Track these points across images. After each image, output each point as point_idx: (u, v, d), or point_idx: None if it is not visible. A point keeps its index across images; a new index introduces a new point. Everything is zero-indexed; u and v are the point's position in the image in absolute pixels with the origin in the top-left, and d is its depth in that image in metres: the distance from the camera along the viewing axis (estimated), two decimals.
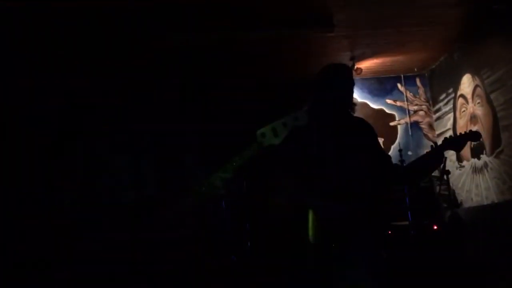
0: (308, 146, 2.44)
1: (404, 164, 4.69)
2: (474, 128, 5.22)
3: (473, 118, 5.26)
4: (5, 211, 3.62)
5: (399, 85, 6.51)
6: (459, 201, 5.56)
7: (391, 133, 6.36)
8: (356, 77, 4.43)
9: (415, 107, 6.49)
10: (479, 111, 5.14)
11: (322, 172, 2.41)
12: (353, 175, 2.41)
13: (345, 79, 2.48)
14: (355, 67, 5.58)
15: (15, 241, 3.78)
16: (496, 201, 4.85)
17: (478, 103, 5.15)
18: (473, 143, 5.18)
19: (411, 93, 6.51)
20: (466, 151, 5.44)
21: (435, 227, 4.66)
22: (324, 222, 2.31)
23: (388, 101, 6.47)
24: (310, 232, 2.32)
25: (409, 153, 6.08)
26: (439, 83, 6.15)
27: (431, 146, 2.52)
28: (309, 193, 2.39)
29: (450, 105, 5.85)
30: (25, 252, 3.78)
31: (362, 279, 2.21)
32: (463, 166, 5.56)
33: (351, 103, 2.52)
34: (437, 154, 2.46)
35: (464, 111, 5.49)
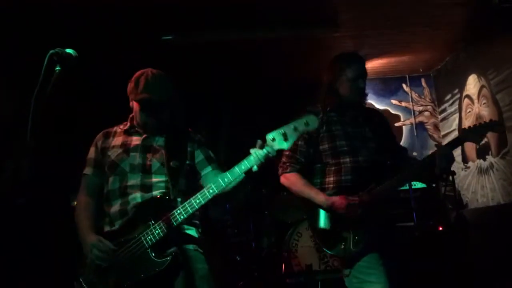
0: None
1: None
2: None
3: (479, 119, 5.23)
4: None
5: (404, 86, 6.48)
6: (464, 202, 5.53)
7: (396, 134, 6.25)
8: None
9: (420, 108, 6.46)
10: (485, 111, 5.11)
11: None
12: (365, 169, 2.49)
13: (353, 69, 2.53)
14: None
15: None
16: (502, 202, 4.82)
17: (484, 103, 5.12)
18: (476, 146, 5.20)
19: (416, 94, 6.49)
20: (472, 151, 5.42)
21: (440, 229, 4.63)
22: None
23: (393, 101, 6.45)
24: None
25: (414, 154, 6.06)
26: (445, 84, 6.12)
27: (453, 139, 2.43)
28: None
29: (456, 106, 5.82)
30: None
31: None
32: (469, 167, 5.53)
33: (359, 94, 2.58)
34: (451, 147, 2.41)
35: (469, 111, 5.46)
